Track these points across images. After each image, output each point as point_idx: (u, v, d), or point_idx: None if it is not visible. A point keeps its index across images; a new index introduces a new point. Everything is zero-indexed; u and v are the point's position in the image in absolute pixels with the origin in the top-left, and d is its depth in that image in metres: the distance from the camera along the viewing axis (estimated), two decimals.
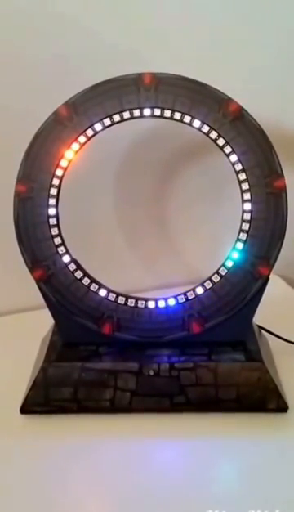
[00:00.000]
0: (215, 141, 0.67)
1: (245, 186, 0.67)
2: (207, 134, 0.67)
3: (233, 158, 0.67)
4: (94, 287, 0.69)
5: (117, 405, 0.68)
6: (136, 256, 0.95)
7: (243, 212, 0.67)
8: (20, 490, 0.61)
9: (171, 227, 0.96)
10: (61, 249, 0.68)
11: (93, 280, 0.70)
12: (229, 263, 0.68)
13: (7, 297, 0.91)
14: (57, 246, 0.68)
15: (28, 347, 0.76)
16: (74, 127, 0.67)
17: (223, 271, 0.69)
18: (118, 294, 0.70)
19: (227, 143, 0.66)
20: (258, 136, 0.66)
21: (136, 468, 0.63)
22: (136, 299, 0.70)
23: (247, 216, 0.67)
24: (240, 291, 0.69)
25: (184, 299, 0.69)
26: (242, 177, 0.67)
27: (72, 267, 0.69)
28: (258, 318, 0.72)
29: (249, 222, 0.67)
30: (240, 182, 0.67)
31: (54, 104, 0.66)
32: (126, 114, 0.67)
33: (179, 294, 0.70)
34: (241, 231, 0.68)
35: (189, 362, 0.69)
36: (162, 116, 0.67)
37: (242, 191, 0.67)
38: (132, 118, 0.67)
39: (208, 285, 0.69)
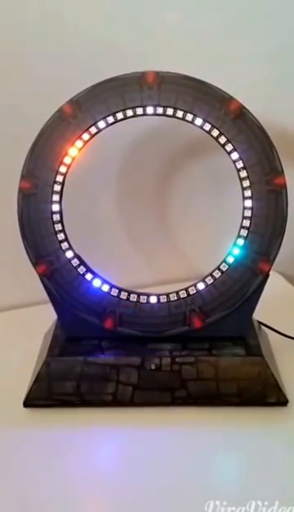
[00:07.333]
0: (216, 139, 0.67)
1: (246, 183, 0.67)
2: (209, 132, 0.67)
3: (235, 156, 0.67)
4: (96, 282, 0.70)
5: (119, 399, 0.69)
6: (138, 252, 0.95)
7: (244, 209, 0.68)
8: (23, 484, 0.61)
9: (172, 224, 0.96)
10: (64, 245, 0.69)
11: (96, 276, 0.70)
12: (230, 259, 0.69)
13: (11, 292, 0.91)
14: (60, 242, 0.69)
15: (32, 341, 0.76)
16: (78, 124, 0.67)
17: (224, 267, 0.69)
18: (120, 290, 0.70)
19: (228, 141, 0.67)
20: (259, 134, 0.67)
21: (138, 461, 0.64)
22: (138, 294, 0.70)
23: (248, 213, 0.68)
24: (241, 287, 0.69)
25: (185, 295, 0.70)
26: (243, 174, 0.67)
27: (75, 262, 0.69)
28: (258, 314, 0.73)
29: (250, 218, 0.68)
30: (241, 180, 0.67)
31: (58, 101, 0.67)
32: (130, 112, 0.67)
33: (180, 290, 0.70)
34: (242, 227, 0.68)
35: (191, 357, 0.69)
36: (164, 114, 0.67)
37: (243, 189, 0.68)
38: (135, 116, 0.67)
39: (209, 280, 0.70)
